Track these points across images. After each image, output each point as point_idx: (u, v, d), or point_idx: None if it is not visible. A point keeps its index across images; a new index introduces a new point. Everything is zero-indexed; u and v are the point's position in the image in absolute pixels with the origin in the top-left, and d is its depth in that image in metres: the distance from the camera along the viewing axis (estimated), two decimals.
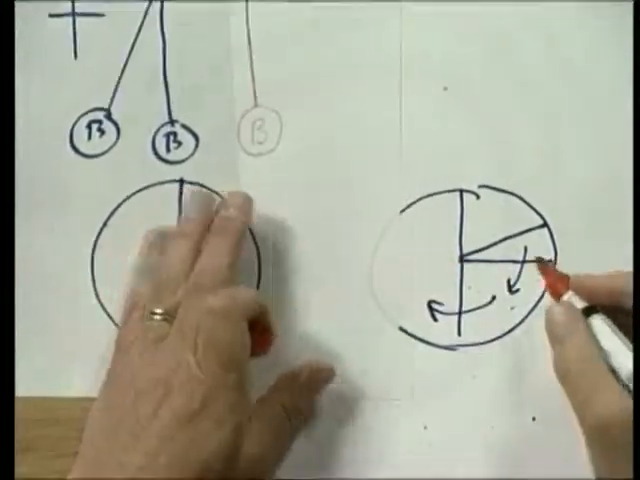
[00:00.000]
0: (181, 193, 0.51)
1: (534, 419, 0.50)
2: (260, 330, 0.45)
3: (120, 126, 0.52)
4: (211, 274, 0.45)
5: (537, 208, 0.50)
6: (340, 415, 0.50)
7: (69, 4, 0.51)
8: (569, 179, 0.49)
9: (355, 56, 0.50)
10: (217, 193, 0.51)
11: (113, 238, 0.52)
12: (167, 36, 0.51)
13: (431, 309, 0.50)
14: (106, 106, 0.52)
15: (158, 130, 0.52)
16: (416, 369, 0.50)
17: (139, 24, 0.51)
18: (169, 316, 0.44)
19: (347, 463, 0.50)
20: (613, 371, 0.41)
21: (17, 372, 0.50)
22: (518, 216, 0.50)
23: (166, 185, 0.52)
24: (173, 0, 0.51)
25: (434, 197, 0.50)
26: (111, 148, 0.52)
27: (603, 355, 0.42)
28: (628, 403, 0.40)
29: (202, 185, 0.51)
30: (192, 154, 0.52)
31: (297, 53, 0.51)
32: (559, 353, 0.43)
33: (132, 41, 0.51)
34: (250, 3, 0.50)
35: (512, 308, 0.50)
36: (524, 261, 0.50)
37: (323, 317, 0.51)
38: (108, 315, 0.52)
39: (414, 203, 0.50)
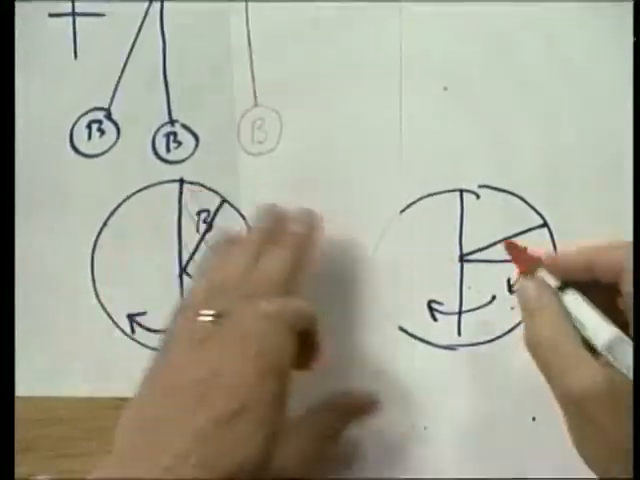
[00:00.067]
0: (181, 193, 0.52)
1: (534, 419, 0.50)
2: (309, 345, 0.45)
3: (120, 126, 0.52)
4: (266, 283, 0.45)
5: (537, 208, 0.50)
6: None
7: (69, 4, 0.51)
8: (569, 179, 0.49)
9: (355, 56, 0.50)
10: (217, 192, 0.51)
11: (113, 238, 0.52)
12: (167, 36, 0.51)
13: (431, 309, 0.50)
14: (106, 106, 0.52)
15: (158, 130, 0.52)
16: (416, 369, 0.50)
17: (139, 24, 0.51)
18: (218, 319, 0.44)
19: None
20: (588, 344, 0.41)
21: (17, 372, 0.50)
22: (518, 216, 0.50)
23: (166, 185, 0.52)
24: (173, 0, 0.51)
25: (434, 197, 0.50)
26: (111, 148, 0.52)
27: (577, 328, 0.42)
28: (602, 375, 0.40)
29: (202, 185, 0.51)
30: (192, 154, 0.52)
31: (297, 53, 0.51)
32: (530, 327, 0.43)
33: (132, 41, 0.51)
34: (250, 3, 0.51)
35: (512, 308, 0.50)
36: None
37: (323, 317, 0.50)
38: (108, 315, 0.52)
39: (414, 203, 0.50)
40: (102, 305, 0.52)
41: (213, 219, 0.52)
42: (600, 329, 0.41)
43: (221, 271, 0.46)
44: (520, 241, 0.47)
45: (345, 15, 0.50)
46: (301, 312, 0.44)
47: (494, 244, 0.50)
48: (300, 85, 0.51)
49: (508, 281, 0.50)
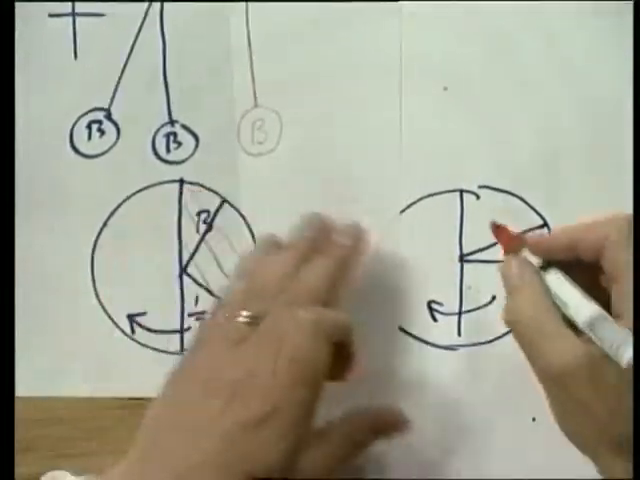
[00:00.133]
0: (181, 193, 0.52)
1: (534, 419, 0.50)
2: (345, 356, 0.45)
3: (120, 126, 0.52)
4: (306, 290, 0.45)
5: (537, 208, 0.50)
6: (339, 415, 0.50)
7: (69, 4, 0.51)
8: (569, 179, 0.49)
9: (355, 56, 0.50)
10: (217, 193, 0.51)
11: (113, 238, 0.52)
12: (167, 36, 0.51)
13: (431, 309, 0.50)
14: (106, 106, 0.52)
15: (158, 130, 0.52)
16: (416, 369, 0.50)
17: (139, 24, 0.51)
18: (255, 321, 0.44)
19: None
20: (570, 323, 0.41)
21: (17, 372, 0.50)
22: (518, 216, 0.50)
23: (166, 185, 0.52)
24: (173, 0, 0.51)
25: (434, 197, 0.50)
26: (111, 148, 0.52)
27: (559, 306, 0.42)
28: (582, 350, 0.40)
29: (202, 185, 0.51)
30: (192, 154, 0.52)
31: (297, 53, 0.51)
32: (510, 304, 0.43)
33: (132, 41, 0.51)
34: (250, 4, 0.51)
35: None
36: None
37: None
38: (108, 315, 0.52)
39: (414, 203, 0.50)
40: (102, 305, 0.52)
41: (213, 219, 0.52)
42: (582, 307, 0.41)
43: (262, 274, 0.46)
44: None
45: (345, 15, 0.50)
46: (338, 323, 0.44)
47: (494, 244, 0.50)
48: (300, 85, 0.51)
49: None
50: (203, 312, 0.52)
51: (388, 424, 0.49)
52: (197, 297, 0.52)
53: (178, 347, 0.52)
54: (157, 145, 0.52)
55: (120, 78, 0.51)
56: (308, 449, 0.44)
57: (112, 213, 0.52)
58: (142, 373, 0.52)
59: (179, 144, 0.52)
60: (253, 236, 0.51)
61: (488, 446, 0.50)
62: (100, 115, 0.52)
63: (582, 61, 0.49)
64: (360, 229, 0.48)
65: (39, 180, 0.52)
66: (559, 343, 0.40)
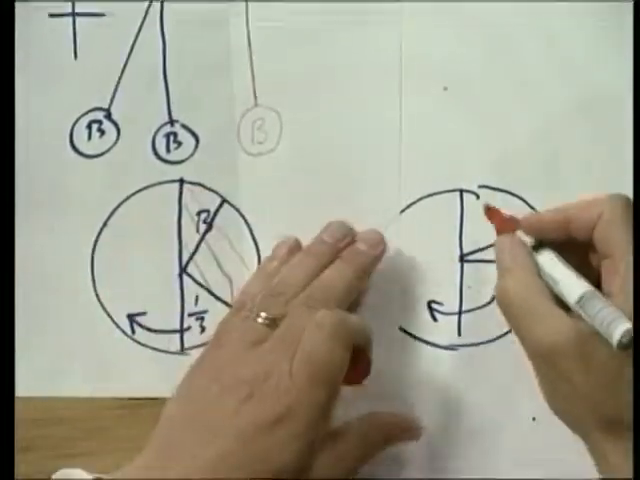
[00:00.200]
0: (181, 193, 0.52)
1: (534, 419, 0.50)
2: (361, 360, 0.45)
3: (120, 126, 0.52)
4: (325, 293, 0.45)
5: (537, 208, 0.50)
6: (339, 415, 0.50)
7: (69, 4, 0.51)
8: (569, 179, 0.49)
9: (355, 56, 0.50)
10: (217, 192, 0.51)
11: (113, 238, 0.52)
12: (167, 36, 0.51)
13: (431, 309, 0.51)
14: (106, 106, 0.52)
15: (158, 130, 0.52)
16: (416, 369, 0.50)
17: (139, 24, 0.51)
18: (273, 323, 0.44)
19: None
20: (561, 302, 0.42)
21: (17, 372, 0.50)
22: (518, 216, 0.50)
23: (166, 185, 0.52)
24: (173, 0, 0.51)
25: (434, 197, 0.50)
26: (111, 148, 0.52)
27: (551, 285, 0.43)
28: (572, 328, 0.40)
29: (202, 185, 0.51)
30: (192, 154, 0.52)
31: (297, 53, 0.51)
32: (501, 282, 0.44)
33: (132, 41, 0.51)
34: (250, 3, 0.50)
35: None
36: None
37: None
38: (108, 315, 0.52)
39: (414, 203, 0.50)
40: (102, 305, 0.52)
41: (213, 219, 0.52)
42: (573, 285, 0.42)
43: (282, 277, 0.47)
44: None
45: (345, 15, 0.50)
46: (357, 327, 0.44)
47: (494, 244, 0.50)
48: (300, 85, 0.51)
49: None
50: (203, 312, 0.52)
51: (402, 429, 0.50)
52: (197, 297, 0.52)
53: (178, 347, 0.52)
54: (157, 145, 0.52)
55: (120, 78, 0.51)
56: (323, 451, 0.44)
57: (112, 213, 0.52)
58: (142, 373, 0.52)
59: (179, 144, 0.52)
60: (253, 236, 0.51)
61: (488, 446, 0.50)
62: (100, 115, 0.52)
63: (582, 61, 0.49)
64: (380, 236, 0.49)
65: (39, 180, 0.52)
66: (549, 321, 0.41)
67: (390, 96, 0.50)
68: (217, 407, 0.41)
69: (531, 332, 0.41)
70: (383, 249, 0.49)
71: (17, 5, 0.51)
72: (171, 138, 0.51)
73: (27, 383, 0.52)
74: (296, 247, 0.49)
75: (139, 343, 0.52)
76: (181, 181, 0.52)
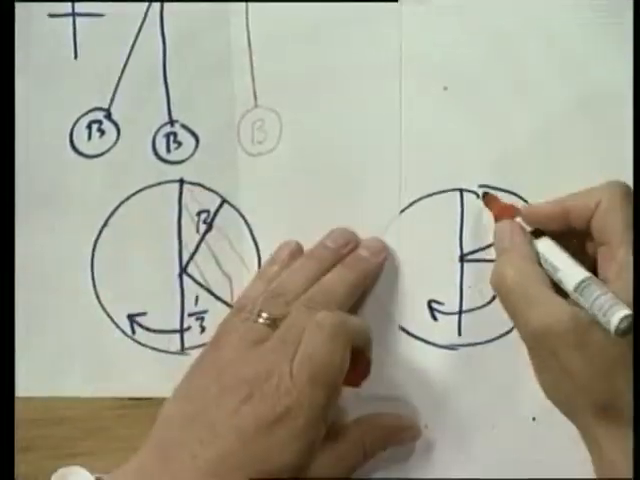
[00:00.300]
0: (181, 193, 0.52)
1: (534, 419, 0.50)
2: (361, 361, 0.45)
3: (120, 126, 0.52)
4: (326, 296, 0.46)
5: None
6: (339, 415, 0.50)
7: (69, 4, 0.51)
8: (569, 179, 0.49)
9: (355, 56, 0.50)
10: (217, 193, 0.51)
11: (113, 238, 0.52)
12: (167, 36, 0.51)
13: (431, 309, 0.50)
14: (106, 106, 0.52)
15: (158, 130, 0.52)
16: (416, 369, 0.50)
17: (139, 24, 0.51)
18: (274, 323, 0.44)
19: None
20: (559, 289, 0.42)
21: (17, 372, 0.50)
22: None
23: (166, 185, 0.52)
24: (173, 0, 0.51)
25: (434, 197, 0.50)
26: (111, 148, 0.52)
27: (550, 272, 0.43)
28: (568, 313, 0.40)
29: (202, 185, 0.51)
30: (192, 154, 0.52)
31: (297, 53, 0.51)
32: (498, 266, 0.44)
33: (132, 41, 0.51)
34: (250, 4, 0.50)
35: None
36: None
37: None
38: (108, 315, 0.52)
39: (414, 203, 0.50)
40: (102, 305, 0.52)
41: (213, 219, 0.52)
42: (571, 272, 0.42)
43: (283, 278, 0.47)
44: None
45: (345, 15, 0.50)
46: (357, 328, 0.45)
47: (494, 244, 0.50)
48: (300, 85, 0.51)
49: None
50: (203, 312, 0.52)
51: (401, 429, 0.50)
52: (197, 297, 0.52)
53: (178, 347, 0.52)
54: (157, 145, 0.52)
55: (120, 78, 0.51)
56: (323, 451, 0.44)
57: (112, 213, 0.52)
58: (142, 373, 0.52)
59: (179, 144, 0.52)
60: (253, 236, 0.51)
61: (488, 446, 0.50)
62: (100, 115, 0.52)
63: (582, 60, 0.49)
64: (382, 244, 0.49)
65: (39, 180, 0.52)
66: (544, 305, 0.41)
67: (390, 96, 0.50)
68: (217, 407, 0.41)
69: (527, 316, 0.42)
70: (385, 257, 0.49)
71: (17, 5, 0.51)
72: (171, 138, 0.51)
73: (27, 383, 0.52)
74: (297, 251, 0.49)
75: (139, 343, 0.52)
76: (181, 181, 0.52)
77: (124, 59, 0.51)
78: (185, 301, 0.52)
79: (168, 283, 0.52)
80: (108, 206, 0.52)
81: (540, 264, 0.44)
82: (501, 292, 0.44)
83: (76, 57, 0.52)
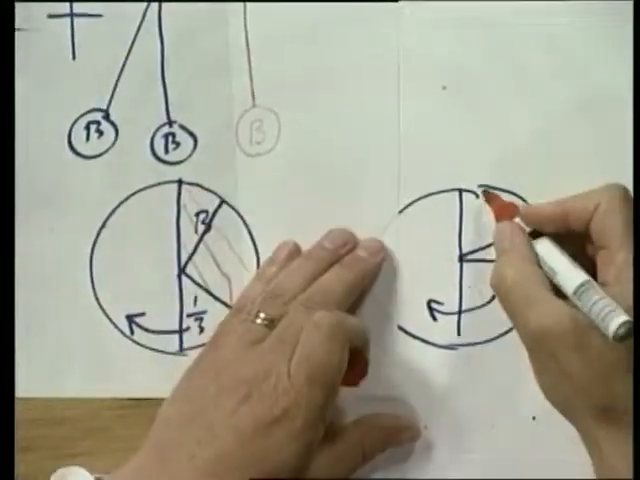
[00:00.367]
0: (179, 194, 0.52)
1: (534, 419, 0.50)
2: (358, 361, 0.46)
3: (118, 127, 0.52)
4: (324, 296, 0.46)
5: None
6: (337, 415, 0.50)
7: (67, 5, 0.51)
8: (569, 179, 0.49)
9: (353, 56, 0.50)
10: (215, 193, 0.51)
11: (112, 239, 0.52)
12: (165, 37, 0.51)
13: (431, 309, 0.50)
14: (104, 107, 0.52)
15: (156, 131, 0.52)
16: (415, 369, 0.50)
17: (137, 25, 0.51)
18: (272, 324, 0.44)
19: None
20: (559, 291, 0.42)
21: (17, 372, 0.50)
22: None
23: (165, 186, 0.52)
24: (171, 1, 0.51)
25: (433, 197, 0.50)
26: (109, 149, 0.52)
27: (549, 275, 0.43)
28: (567, 314, 0.40)
29: (200, 186, 0.51)
30: (190, 155, 0.52)
31: (295, 53, 0.50)
32: (499, 268, 0.44)
33: (130, 42, 0.51)
34: (248, 4, 0.50)
35: None
36: None
37: None
38: (107, 316, 0.52)
39: (413, 203, 0.50)
40: (101, 306, 0.52)
41: (212, 220, 0.52)
42: (570, 275, 0.42)
43: (281, 279, 0.47)
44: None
45: (343, 15, 0.50)
46: (355, 328, 0.45)
47: (493, 244, 0.50)
48: (298, 85, 0.51)
49: None
50: (202, 312, 0.52)
51: (401, 430, 0.50)
52: (196, 297, 0.52)
53: (177, 347, 0.52)
54: (155, 146, 0.52)
55: (118, 79, 0.51)
56: (322, 451, 0.44)
57: (111, 214, 0.52)
58: (141, 373, 0.52)
59: (177, 144, 0.52)
60: (252, 236, 0.51)
61: (488, 445, 0.50)
62: (98, 116, 0.52)
63: (582, 61, 0.49)
64: (380, 244, 0.49)
65: (38, 181, 0.52)
66: (544, 306, 0.41)
67: (389, 96, 0.50)
68: (215, 407, 0.41)
69: (526, 317, 0.42)
70: (383, 257, 0.49)
71: (17, 5, 0.51)
72: (169, 139, 0.51)
73: (27, 383, 0.52)
74: (296, 251, 0.49)
75: (138, 344, 0.52)
76: (179, 182, 0.52)
77: (122, 60, 0.51)
78: (184, 302, 0.52)
79: (167, 283, 0.52)
80: (107, 207, 0.52)
81: (540, 266, 0.44)
82: (501, 293, 0.44)
83: (74, 58, 0.52)
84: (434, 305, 0.50)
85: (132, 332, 0.52)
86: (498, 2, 0.49)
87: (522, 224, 0.46)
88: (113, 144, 0.52)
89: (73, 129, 0.52)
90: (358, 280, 0.48)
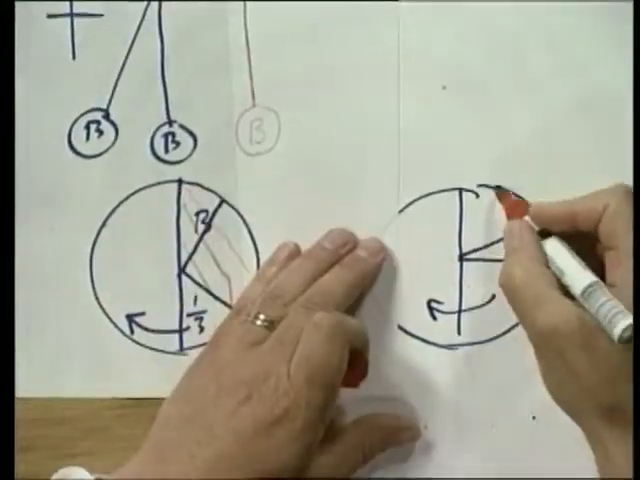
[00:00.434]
0: (179, 193, 0.52)
1: (534, 418, 0.50)
2: (358, 362, 0.45)
3: (118, 126, 0.52)
4: (323, 296, 0.46)
5: None
6: (337, 416, 0.50)
7: (67, 4, 0.51)
8: (569, 179, 0.49)
9: (353, 55, 0.50)
10: (215, 193, 0.51)
11: (112, 238, 0.52)
12: (165, 36, 0.51)
13: (431, 308, 0.50)
14: (104, 106, 0.52)
15: (156, 130, 0.52)
16: (415, 368, 0.50)
17: (137, 24, 0.51)
18: (272, 325, 0.44)
19: None
20: (567, 292, 0.42)
21: (17, 372, 0.50)
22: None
23: (165, 185, 0.52)
24: (171, 0, 0.51)
25: (433, 196, 0.50)
26: (109, 148, 0.52)
27: (556, 274, 0.43)
28: (574, 314, 0.40)
29: (200, 185, 0.51)
30: (190, 154, 0.52)
31: (295, 52, 0.50)
32: (507, 267, 0.44)
33: (130, 41, 0.51)
34: (248, 3, 0.50)
35: None
36: None
37: None
38: (107, 315, 0.52)
39: (413, 202, 0.50)
40: (101, 305, 0.52)
41: (212, 219, 0.52)
42: (578, 276, 0.42)
43: (280, 280, 0.47)
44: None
45: (343, 14, 0.50)
46: (355, 329, 0.45)
47: (493, 243, 0.50)
48: (298, 85, 0.51)
49: None
50: (202, 312, 0.52)
51: (401, 430, 0.50)
52: (196, 297, 0.52)
53: (177, 347, 0.52)
54: (155, 145, 0.52)
55: (118, 78, 0.51)
56: (322, 452, 0.44)
57: (111, 213, 0.52)
58: (141, 373, 0.52)
59: (177, 144, 0.52)
60: (252, 236, 0.51)
61: (488, 445, 0.50)
62: (98, 115, 0.52)
63: (582, 60, 0.49)
64: (380, 245, 0.49)
65: (38, 180, 0.52)
66: (552, 305, 0.41)
67: (389, 95, 0.50)
68: (215, 408, 0.41)
69: (534, 316, 0.42)
70: (383, 257, 0.49)
71: (17, 5, 0.51)
72: (169, 138, 0.51)
73: (27, 383, 0.52)
74: (296, 252, 0.49)
75: (138, 343, 0.52)
76: (179, 181, 0.52)
77: (122, 59, 0.51)
78: (184, 301, 0.52)
79: (167, 283, 0.52)
80: (107, 206, 0.52)
81: (549, 266, 0.44)
82: (509, 292, 0.44)
83: (74, 57, 0.52)
84: (434, 305, 0.50)
85: (132, 332, 0.52)
86: (498, 2, 0.49)
87: (532, 223, 0.46)
88: (113, 144, 0.52)
89: (73, 129, 0.52)
90: (358, 281, 0.48)
